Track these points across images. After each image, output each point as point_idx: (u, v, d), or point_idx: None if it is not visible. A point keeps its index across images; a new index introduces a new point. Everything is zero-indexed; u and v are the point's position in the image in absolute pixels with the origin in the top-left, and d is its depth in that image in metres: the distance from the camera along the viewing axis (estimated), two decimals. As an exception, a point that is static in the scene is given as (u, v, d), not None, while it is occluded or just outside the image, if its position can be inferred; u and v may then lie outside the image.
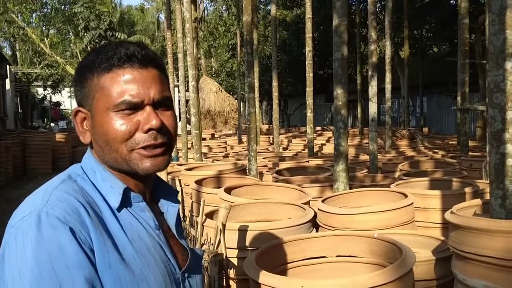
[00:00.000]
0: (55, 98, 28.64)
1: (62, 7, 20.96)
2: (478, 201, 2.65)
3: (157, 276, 0.87)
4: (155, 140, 0.87)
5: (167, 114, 0.91)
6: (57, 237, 0.76)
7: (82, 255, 0.77)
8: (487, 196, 2.86)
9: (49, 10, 21.09)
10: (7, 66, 17.10)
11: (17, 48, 24.01)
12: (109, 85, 0.87)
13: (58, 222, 0.77)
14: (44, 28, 21.60)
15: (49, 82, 23.82)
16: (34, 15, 20.81)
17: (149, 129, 0.87)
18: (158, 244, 0.91)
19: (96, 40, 19.25)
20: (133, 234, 0.87)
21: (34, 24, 20.71)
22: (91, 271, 0.77)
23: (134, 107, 0.87)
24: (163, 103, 0.90)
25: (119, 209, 0.88)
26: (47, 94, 27.30)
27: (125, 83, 0.86)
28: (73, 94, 0.93)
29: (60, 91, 28.65)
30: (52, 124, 26.77)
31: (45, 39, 20.66)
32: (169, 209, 1.00)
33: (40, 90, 28.01)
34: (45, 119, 31.84)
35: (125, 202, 0.89)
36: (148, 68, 0.88)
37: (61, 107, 38.01)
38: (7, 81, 17.66)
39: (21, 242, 0.76)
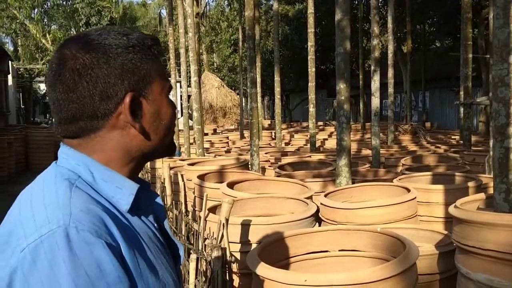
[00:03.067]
0: (57, 93, 28.69)
1: (64, 2, 20.92)
2: (481, 195, 2.64)
3: (172, 277, 0.83)
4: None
5: None
6: (94, 254, 0.68)
7: (121, 270, 0.71)
8: (490, 191, 2.86)
9: (50, 7, 21.06)
10: (9, 62, 17.04)
11: (19, 44, 23.98)
12: (161, 70, 0.86)
13: (92, 237, 0.69)
14: (45, 24, 21.57)
15: (51, 78, 23.83)
16: (35, 10, 20.79)
17: None
18: (161, 243, 0.86)
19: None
20: (146, 237, 0.81)
21: (35, 20, 20.68)
22: (130, 286, 0.72)
23: None
24: None
25: (131, 211, 0.80)
26: (49, 89, 27.36)
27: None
28: None
29: (62, 87, 28.45)
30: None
31: (47, 34, 20.64)
32: (158, 204, 0.92)
33: (42, 86, 28.08)
34: (47, 115, 31.86)
35: (136, 202, 0.81)
36: None
37: (63, 103, 37.83)
38: (9, 77, 17.60)
39: (46, 266, 0.66)
